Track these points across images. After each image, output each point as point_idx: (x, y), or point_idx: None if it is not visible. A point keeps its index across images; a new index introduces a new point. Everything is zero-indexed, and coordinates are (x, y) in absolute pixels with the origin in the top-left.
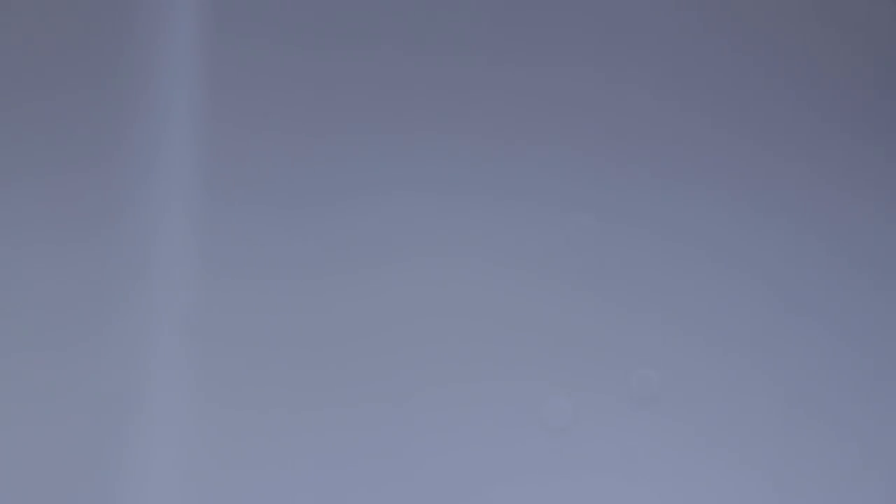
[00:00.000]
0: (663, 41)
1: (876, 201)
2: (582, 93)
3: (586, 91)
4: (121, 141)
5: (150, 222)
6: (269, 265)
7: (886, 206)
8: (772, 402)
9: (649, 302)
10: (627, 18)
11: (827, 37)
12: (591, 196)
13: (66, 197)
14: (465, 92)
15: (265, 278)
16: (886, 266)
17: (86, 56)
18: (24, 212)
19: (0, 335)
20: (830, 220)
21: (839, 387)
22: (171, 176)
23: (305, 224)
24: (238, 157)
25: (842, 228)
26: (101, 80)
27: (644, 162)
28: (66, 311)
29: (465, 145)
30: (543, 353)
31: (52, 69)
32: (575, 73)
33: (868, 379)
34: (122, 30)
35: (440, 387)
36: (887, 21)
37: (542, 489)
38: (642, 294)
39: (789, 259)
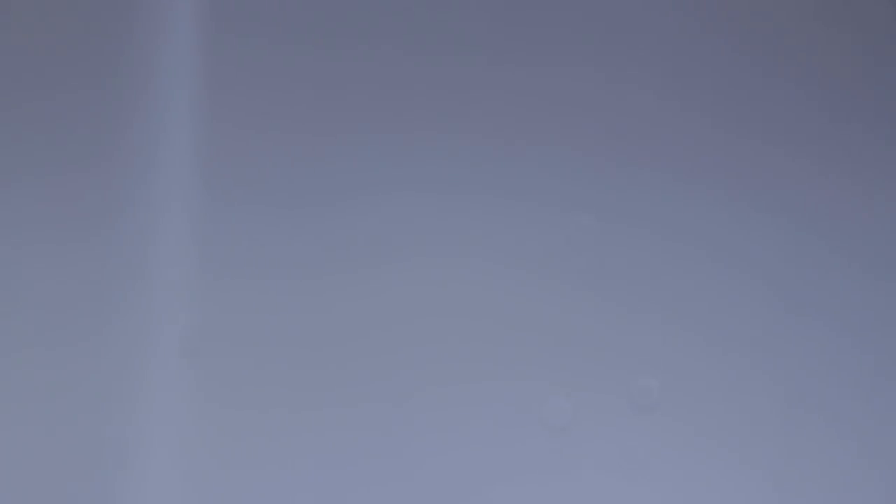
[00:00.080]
0: (663, 41)
1: (877, 201)
2: (582, 93)
3: (586, 91)
4: (121, 141)
5: (149, 222)
6: (269, 265)
7: (887, 205)
8: (772, 401)
9: (649, 301)
10: (627, 18)
11: (827, 36)
12: (591, 196)
13: (66, 197)
14: (465, 92)
15: (265, 278)
16: (887, 265)
17: (86, 56)
18: (23, 212)
19: (1, 333)
20: (831, 219)
21: (840, 386)
22: (170, 176)
23: (305, 224)
24: (238, 157)
25: (842, 228)
26: (100, 80)
27: (644, 162)
28: (66, 311)
29: (465, 145)
30: (543, 353)
31: (52, 69)
32: (575, 73)
33: (869, 378)
34: (121, 30)
35: (440, 387)
36: (888, 20)
37: (542, 489)
38: (642, 294)
39: (789, 258)
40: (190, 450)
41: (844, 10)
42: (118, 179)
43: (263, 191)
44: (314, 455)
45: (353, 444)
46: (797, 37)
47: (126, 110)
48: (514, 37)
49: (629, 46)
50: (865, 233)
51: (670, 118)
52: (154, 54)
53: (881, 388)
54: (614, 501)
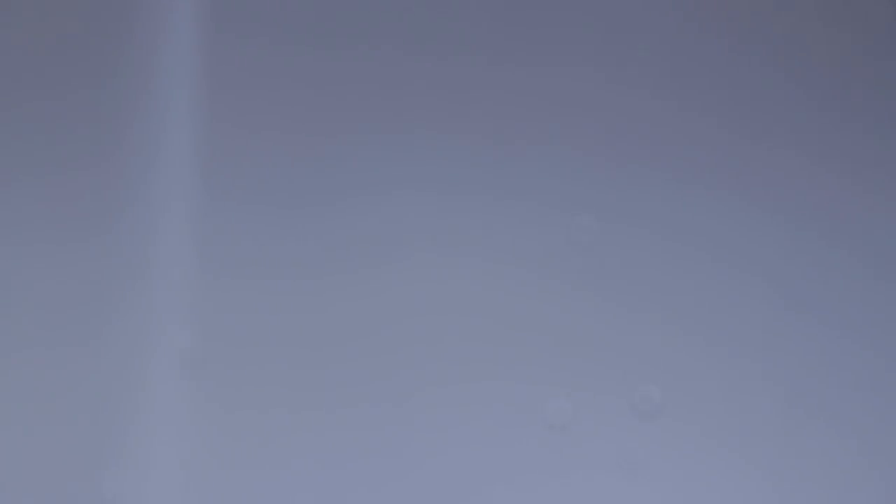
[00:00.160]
0: (663, 41)
1: (878, 200)
2: (582, 93)
3: (586, 91)
4: (120, 141)
5: (149, 222)
6: (269, 265)
7: (888, 205)
8: (773, 400)
9: (649, 301)
10: (627, 18)
11: (827, 35)
12: (591, 196)
13: (66, 197)
14: (465, 92)
15: (265, 278)
16: (888, 265)
17: (85, 56)
18: (22, 212)
19: (1, 333)
20: (832, 219)
21: (840, 386)
22: (170, 176)
23: (305, 224)
24: (238, 157)
25: (843, 228)
26: (100, 79)
27: (644, 162)
28: (66, 311)
29: (465, 145)
30: (543, 353)
31: (52, 69)
32: (575, 73)
33: (869, 378)
34: (121, 30)
35: (440, 387)
36: (888, 20)
37: (542, 489)
38: (642, 293)
39: (790, 258)
40: (190, 449)
41: (845, 10)
42: (118, 179)
43: (263, 190)
44: (314, 455)
45: (352, 444)
46: (797, 36)
47: (126, 110)
48: (514, 37)
49: (629, 46)
50: (866, 232)
51: (670, 118)
52: (154, 54)
53: (881, 388)
54: (614, 502)
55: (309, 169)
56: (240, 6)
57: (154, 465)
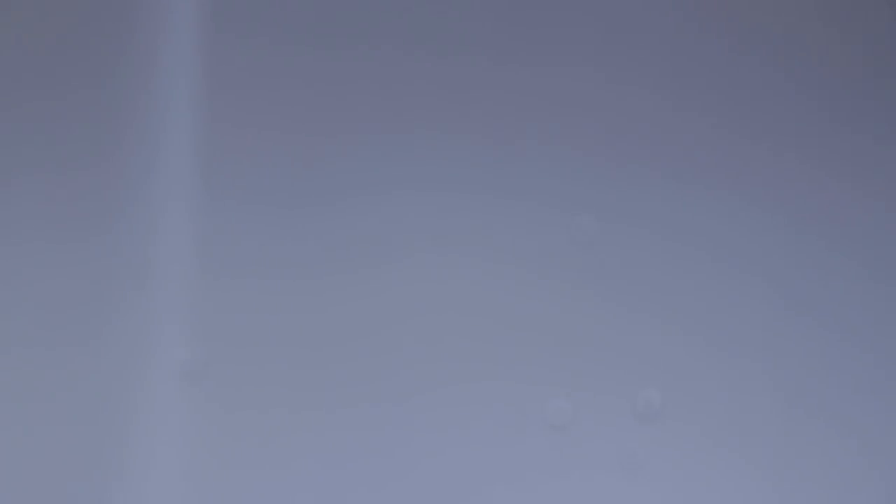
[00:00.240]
0: (663, 41)
1: (878, 201)
2: (582, 93)
3: (586, 91)
4: (120, 141)
5: (150, 222)
6: (269, 265)
7: (888, 205)
8: (773, 401)
9: (650, 301)
10: (627, 18)
11: (828, 36)
12: (591, 196)
13: (66, 196)
14: (465, 92)
15: (265, 278)
16: (888, 266)
17: (85, 56)
18: (22, 211)
19: (1, 333)
20: (833, 220)
21: (840, 386)
22: (170, 176)
23: (305, 224)
24: (238, 157)
25: (844, 228)
26: (100, 79)
27: (644, 162)
28: (66, 311)
29: (465, 145)
30: (544, 354)
31: (52, 69)
32: (575, 73)
33: (870, 379)
34: (121, 30)
35: (440, 387)
36: (889, 20)
37: (542, 489)
38: (643, 293)
39: (790, 258)
40: (190, 449)
41: (845, 10)
42: (118, 179)
43: (263, 190)
44: (314, 455)
45: (353, 443)
46: (797, 37)
47: (126, 110)
48: (514, 37)
49: (629, 46)
50: (867, 233)
51: (670, 118)
52: (154, 54)
53: (882, 389)
54: (614, 502)
55: (309, 169)
56: (240, 6)
57: (154, 464)
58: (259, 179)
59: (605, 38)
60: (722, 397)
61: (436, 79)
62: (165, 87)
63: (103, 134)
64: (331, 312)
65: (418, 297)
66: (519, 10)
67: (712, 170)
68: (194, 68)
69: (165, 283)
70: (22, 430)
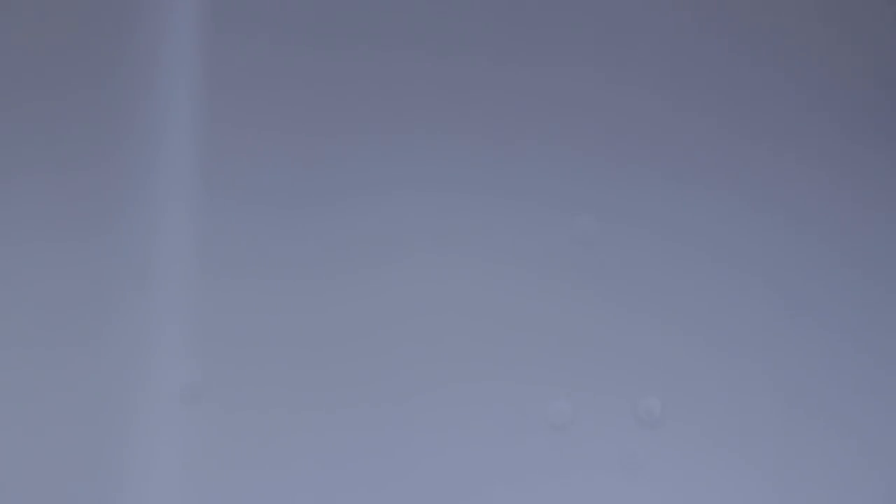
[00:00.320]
0: (663, 41)
1: (878, 201)
2: (582, 93)
3: (586, 91)
4: (120, 141)
5: (150, 222)
6: (270, 264)
7: (889, 206)
8: (773, 401)
9: (650, 301)
10: (627, 18)
11: (829, 36)
12: (591, 196)
13: (66, 196)
14: (465, 92)
15: (265, 278)
16: (888, 266)
17: (86, 56)
18: (23, 211)
19: (1, 333)
20: (833, 220)
21: (840, 387)
22: (171, 176)
23: (306, 224)
24: (238, 157)
25: (844, 229)
26: (101, 79)
27: (644, 162)
28: (66, 311)
29: (465, 145)
30: (544, 354)
31: (52, 69)
32: (575, 73)
33: (869, 379)
34: (122, 30)
35: (440, 387)
36: (890, 20)
37: (542, 489)
38: (643, 293)
39: (790, 258)
40: (190, 449)
41: (846, 10)
42: (118, 179)
43: (264, 190)
44: (314, 455)
45: (353, 443)
46: (798, 37)
47: (126, 110)
48: (514, 37)
49: (629, 46)
50: (866, 233)
51: (670, 118)
52: (155, 54)
53: (881, 389)
54: (614, 502)
55: (309, 169)
56: (240, 6)
57: (153, 464)
58: (259, 179)
59: (605, 38)
60: (722, 397)
61: (436, 79)
62: (166, 88)
63: (103, 134)
64: (331, 312)
65: (418, 297)
66: (519, 10)
67: (712, 170)
68: (194, 68)
69: (166, 283)
70: (22, 431)
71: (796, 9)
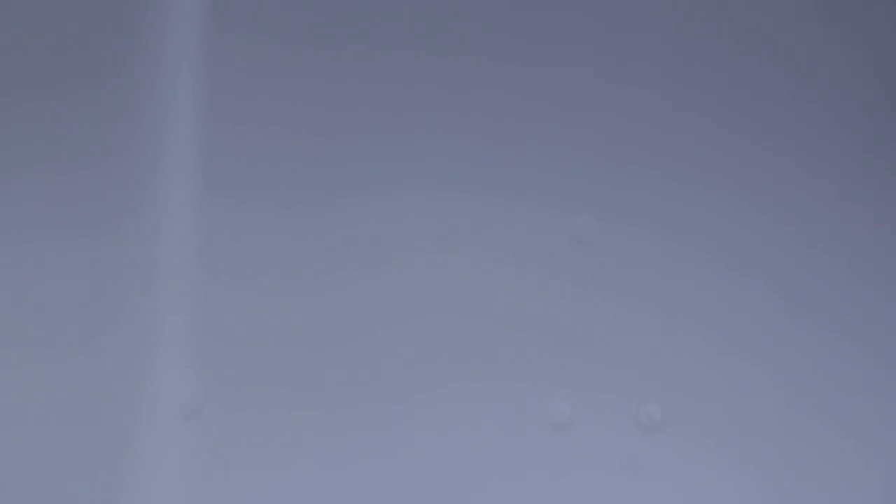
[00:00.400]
0: (663, 41)
1: (878, 202)
2: (582, 93)
3: (586, 91)
4: (123, 140)
5: (152, 221)
6: (271, 264)
7: (889, 207)
8: (773, 401)
9: (650, 301)
10: (627, 18)
11: (831, 38)
12: (591, 196)
13: (69, 196)
14: (465, 92)
15: (267, 277)
16: (888, 268)
17: (87, 56)
18: (27, 210)
19: (3, 333)
20: (833, 221)
21: (840, 388)
22: (174, 175)
23: (308, 223)
24: (240, 157)
25: (844, 230)
26: (102, 80)
27: (644, 162)
28: (68, 310)
29: (465, 145)
30: (544, 354)
31: (54, 69)
32: (575, 73)
33: (869, 379)
34: (125, 30)
35: (441, 387)
36: (891, 21)
37: (542, 489)
38: (643, 294)
39: (791, 261)
40: (191, 448)
41: (847, 11)
42: (118, 179)
43: (265, 190)
44: (314, 455)
45: (353, 443)
46: (798, 37)
47: (128, 110)
48: (514, 37)
49: (629, 46)
50: (867, 234)
51: (670, 118)
52: (158, 54)
53: (881, 389)
54: (614, 501)
55: (311, 168)
56: (242, 7)
57: (154, 463)
58: (260, 179)
59: (605, 38)
60: (722, 397)
61: (436, 79)
62: (167, 88)
63: (105, 134)
64: (331, 312)
65: (418, 296)
66: (519, 10)
67: (712, 170)
68: (196, 69)
69: (167, 282)
70: (24, 430)
71: (796, 9)
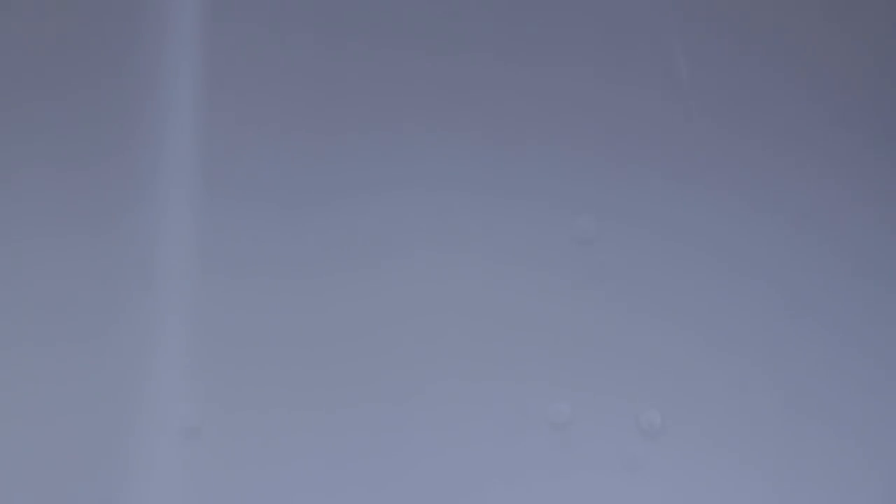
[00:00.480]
0: (663, 41)
1: (879, 202)
2: (582, 93)
3: (586, 91)
4: (124, 140)
5: (152, 219)
6: (270, 263)
7: (889, 207)
8: (773, 401)
9: (650, 301)
10: (627, 18)
11: (830, 36)
12: (591, 196)
13: (69, 195)
14: (465, 91)
15: (266, 276)
16: (888, 267)
17: (87, 55)
18: (27, 209)
19: (5, 331)
20: (833, 221)
21: (840, 387)
22: (173, 175)
23: (308, 222)
24: (240, 155)
25: (844, 230)
26: (102, 79)
27: (644, 162)
28: (69, 307)
29: (465, 144)
30: (544, 353)
31: (55, 69)
32: (575, 73)
33: (869, 379)
34: (125, 29)
35: (441, 386)
36: (892, 21)
37: (543, 489)
38: (643, 293)
39: (790, 258)
40: (191, 448)
41: (847, 11)
42: (118, 179)
43: (265, 189)
44: (314, 455)
45: (353, 443)
46: (799, 37)
47: (128, 110)
48: (514, 37)
49: (629, 46)
50: (867, 234)
51: (670, 118)
52: (157, 55)
53: (881, 389)
54: (614, 501)
55: (311, 167)
56: (242, 6)
57: (155, 463)
58: (260, 177)
59: (605, 38)
60: (722, 397)
61: (436, 78)
62: (168, 88)
63: (105, 134)
64: (331, 311)
65: (418, 296)
66: (519, 10)
67: (712, 170)
68: (197, 69)
69: (168, 280)
70: (26, 426)
71: (798, 9)
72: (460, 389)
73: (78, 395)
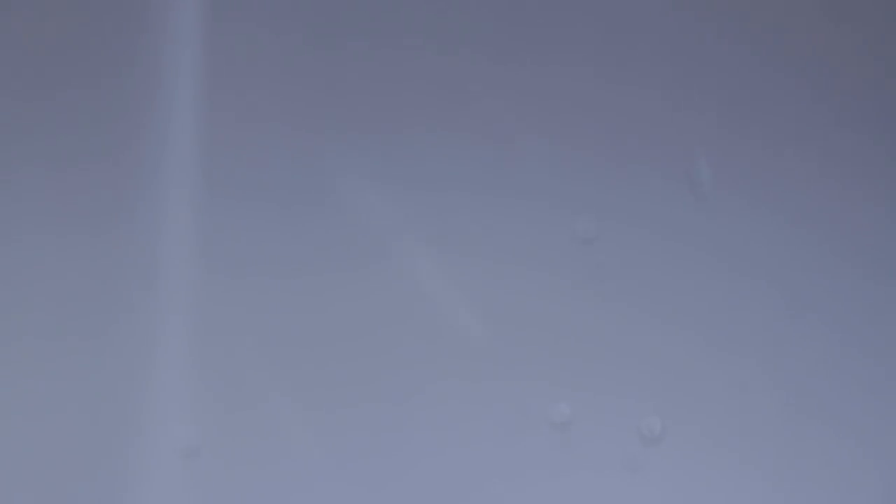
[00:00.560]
0: (663, 41)
1: (880, 202)
2: (582, 93)
3: (586, 91)
4: (124, 140)
5: (152, 219)
6: (271, 262)
7: (890, 206)
8: (773, 401)
9: (651, 301)
10: (627, 18)
11: (830, 36)
12: (591, 196)
13: (69, 195)
14: (465, 91)
15: (267, 276)
16: (889, 267)
17: (87, 55)
18: (27, 209)
19: (5, 331)
20: (834, 221)
21: (840, 388)
22: (174, 174)
23: (307, 221)
24: (240, 156)
25: (845, 229)
26: (102, 78)
27: (644, 162)
28: (70, 306)
29: (465, 144)
30: (545, 353)
31: (55, 68)
32: (575, 73)
33: (870, 379)
34: (125, 29)
35: (441, 387)
36: (889, 19)
37: (543, 489)
38: (644, 294)
39: (791, 258)
40: (191, 448)
41: (847, 10)
42: (119, 178)
43: (265, 189)
44: (314, 455)
45: (353, 443)
46: (799, 37)
47: (128, 109)
48: (514, 36)
49: (629, 46)
50: (867, 233)
51: (670, 118)
52: (160, 53)
53: (881, 389)
54: (614, 501)
55: (310, 167)
56: (241, 6)
57: (155, 463)
58: (260, 178)
59: (605, 38)
60: (722, 397)
61: (436, 77)
62: (168, 88)
63: (105, 133)
64: (331, 311)
65: (418, 296)
66: (519, 10)
67: (713, 170)
68: (197, 68)
69: (168, 280)
70: (26, 426)
71: (798, 9)
72: (460, 389)
73: (78, 394)
